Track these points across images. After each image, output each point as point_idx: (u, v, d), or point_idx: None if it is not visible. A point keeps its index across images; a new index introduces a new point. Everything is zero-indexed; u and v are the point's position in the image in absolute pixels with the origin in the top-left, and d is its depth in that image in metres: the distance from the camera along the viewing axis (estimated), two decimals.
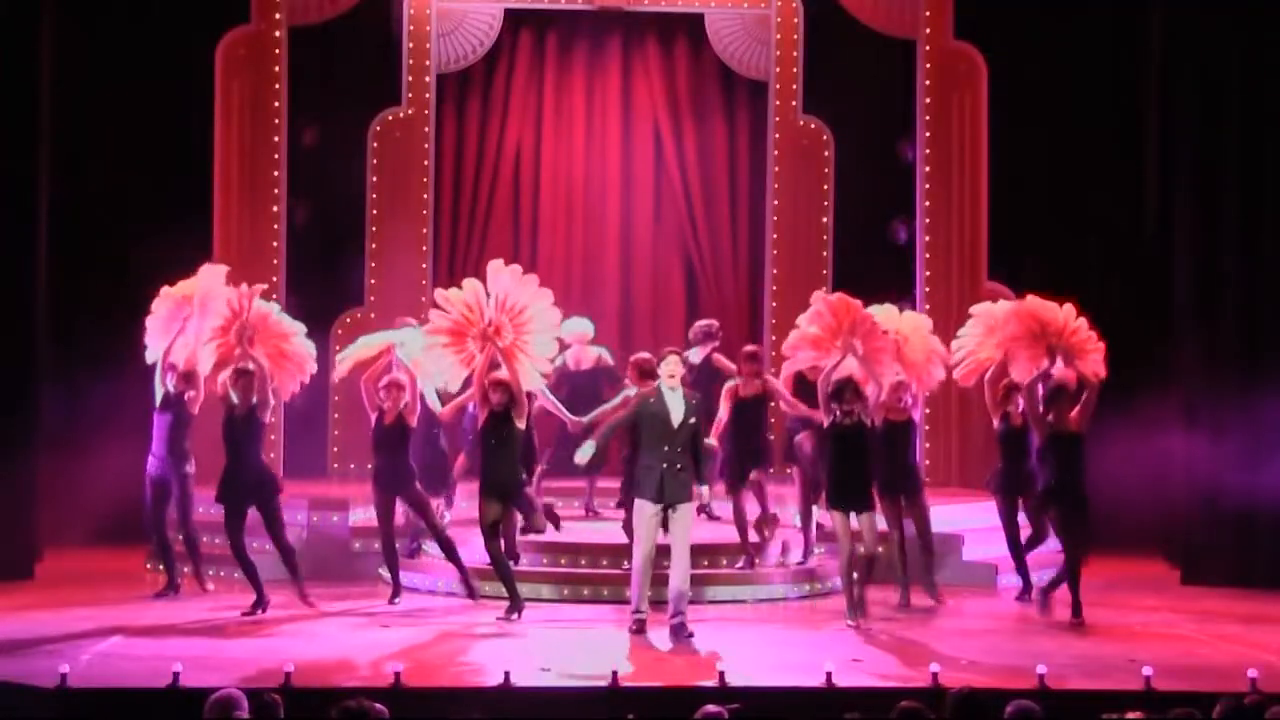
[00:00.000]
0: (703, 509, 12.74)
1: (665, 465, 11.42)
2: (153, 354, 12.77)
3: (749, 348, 13.42)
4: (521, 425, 12.07)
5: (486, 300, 12.10)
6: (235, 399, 12.20)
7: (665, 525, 11.50)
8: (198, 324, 12.59)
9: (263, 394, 12.25)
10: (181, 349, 12.63)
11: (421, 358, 12.45)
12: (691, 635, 11.29)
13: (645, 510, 11.49)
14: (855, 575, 11.98)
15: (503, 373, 12.00)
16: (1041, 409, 12.25)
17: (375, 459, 12.57)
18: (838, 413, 11.99)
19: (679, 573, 11.44)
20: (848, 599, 11.94)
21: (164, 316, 12.77)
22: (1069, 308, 12.69)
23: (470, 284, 12.26)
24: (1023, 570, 13.09)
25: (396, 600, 12.52)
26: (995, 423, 13.09)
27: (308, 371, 12.74)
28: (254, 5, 15.98)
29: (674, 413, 11.48)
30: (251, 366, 12.26)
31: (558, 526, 12.96)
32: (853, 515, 11.90)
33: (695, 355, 13.79)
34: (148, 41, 15.51)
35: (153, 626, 11.52)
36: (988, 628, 12.18)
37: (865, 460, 12.06)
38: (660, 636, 11.29)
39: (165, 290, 12.85)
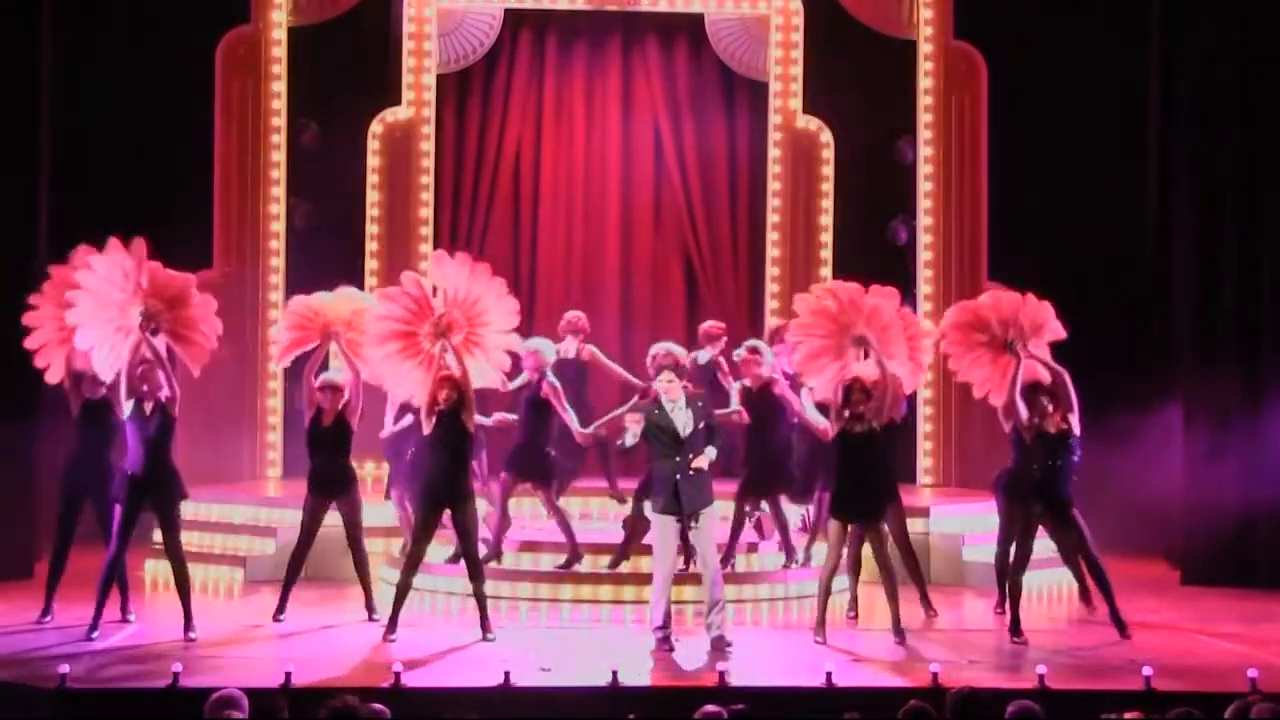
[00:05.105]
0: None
1: (680, 475, 10.99)
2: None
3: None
4: (471, 427, 11.35)
5: (432, 294, 11.42)
6: (141, 391, 11.04)
7: (685, 537, 11.17)
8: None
9: (171, 386, 11.06)
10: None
11: (384, 377, 11.69)
12: (730, 645, 10.91)
13: (664, 524, 11.10)
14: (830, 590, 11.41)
15: (451, 369, 11.27)
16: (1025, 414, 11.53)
17: (312, 461, 11.92)
18: (846, 417, 11.34)
19: (711, 584, 11.02)
20: (819, 613, 11.35)
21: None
22: (998, 294, 12.16)
23: (408, 276, 11.63)
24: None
25: (280, 618, 11.80)
26: (1006, 426, 12.16)
27: (214, 333, 11.47)
28: (254, 5, 16.03)
29: (680, 424, 11.03)
30: (147, 353, 11.05)
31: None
32: (852, 527, 11.42)
33: (703, 356, 13.39)
34: (148, 41, 15.54)
35: (152, 627, 11.51)
36: (988, 628, 12.18)
37: (874, 469, 11.43)
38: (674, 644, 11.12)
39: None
